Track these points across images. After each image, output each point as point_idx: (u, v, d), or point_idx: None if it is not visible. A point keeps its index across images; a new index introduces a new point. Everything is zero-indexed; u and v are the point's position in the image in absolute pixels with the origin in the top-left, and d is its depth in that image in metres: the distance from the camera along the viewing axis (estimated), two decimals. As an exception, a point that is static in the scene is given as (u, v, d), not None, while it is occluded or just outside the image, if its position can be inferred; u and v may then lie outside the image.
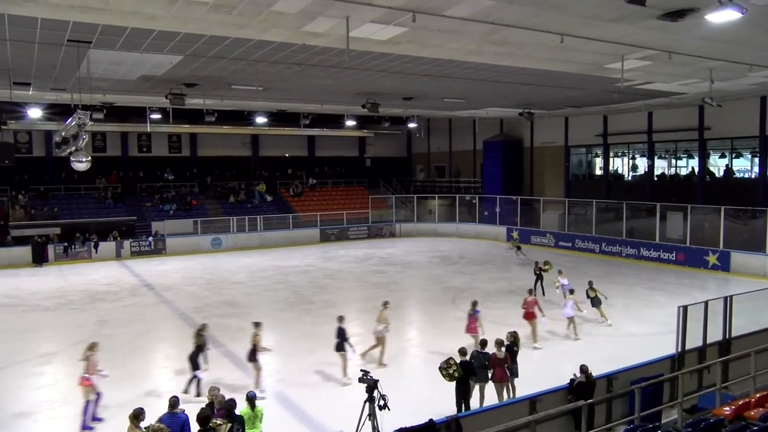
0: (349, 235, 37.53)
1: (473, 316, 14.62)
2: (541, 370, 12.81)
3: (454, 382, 10.50)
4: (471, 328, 14.54)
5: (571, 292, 16.96)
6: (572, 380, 10.15)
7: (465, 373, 10.47)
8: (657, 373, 10.70)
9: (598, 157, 35.65)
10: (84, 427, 10.72)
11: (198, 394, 11.87)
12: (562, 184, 36.75)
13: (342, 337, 13.10)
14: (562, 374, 10.64)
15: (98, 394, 11.11)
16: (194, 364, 12.25)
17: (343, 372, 13.01)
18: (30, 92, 22.36)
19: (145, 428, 7.98)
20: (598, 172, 35.87)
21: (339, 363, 13.19)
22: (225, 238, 34.42)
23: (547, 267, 21.36)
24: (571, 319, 16.25)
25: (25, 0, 10.65)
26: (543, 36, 13.38)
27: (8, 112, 20.85)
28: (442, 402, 10.75)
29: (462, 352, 10.83)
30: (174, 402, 8.50)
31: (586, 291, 17.81)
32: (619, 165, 35.31)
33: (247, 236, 34.70)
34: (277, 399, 11.96)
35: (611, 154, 34.93)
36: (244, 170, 42.16)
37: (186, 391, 11.97)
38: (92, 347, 11.40)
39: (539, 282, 21.17)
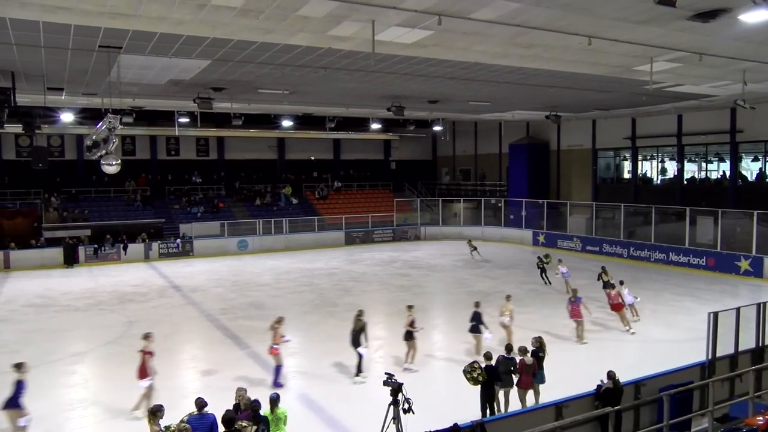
0: (374, 238, 37.58)
1: (575, 303, 15.85)
2: (567, 376, 12.65)
3: (479, 387, 10.43)
4: (575, 312, 15.86)
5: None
6: (599, 386, 10.01)
7: (490, 377, 10.39)
8: (686, 381, 10.50)
9: (626, 160, 35.16)
10: (275, 383, 12.76)
11: (359, 371, 13.32)
12: (590, 187, 36.32)
13: (478, 320, 14.57)
14: (588, 380, 10.49)
15: (279, 367, 13.00)
16: (356, 344, 13.53)
17: (477, 350, 14.36)
18: (63, 97, 22.88)
19: (165, 427, 8.05)
20: (626, 175, 35.38)
21: (473, 343, 14.68)
22: (251, 240, 34.73)
23: (548, 260, 23.46)
24: (632, 306, 17.51)
25: (59, 8, 10.89)
26: (570, 38, 13.25)
27: (42, 117, 21.30)
28: (467, 406, 10.67)
29: (487, 356, 10.76)
30: (202, 403, 8.56)
31: (599, 275, 19.36)
32: (648, 168, 34.79)
33: (273, 238, 34.96)
34: (302, 401, 12.01)
35: (640, 158, 34.42)
36: (270, 173, 42.51)
37: (359, 373, 13.30)
38: (279, 321, 13.33)
39: (544, 274, 23.39)
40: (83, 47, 14.34)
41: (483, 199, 39.91)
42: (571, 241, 32.75)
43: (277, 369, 13.06)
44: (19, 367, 10.32)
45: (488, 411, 10.43)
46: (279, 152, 43.22)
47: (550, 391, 11.03)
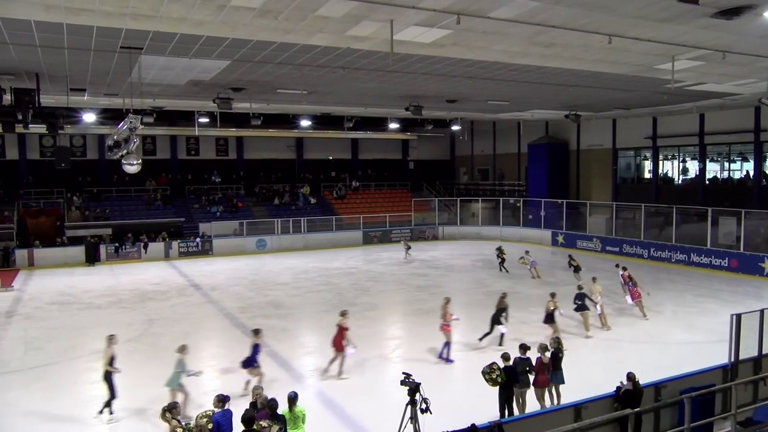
0: (391, 237, 37.58)
1: (634, 287, 18.05)
2: (586, 377, 12.55)
3: (497, 388, 10.39)
4: (635, 294, 17.99)
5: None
6: (618, 388, 9.91)
7: (508, 378, 10.34)
8: (708, 383, 10.36)
9: (647, 160, 34.77)
10: (440, 356, 14.54)
11: (501, 344, 14.92)
12: (610, 187, 35.97)
13: (582, 299, 15.78)
14: (607, 381, 10.39)
15: (448, 343, 14.62)
16: (496, 321, 15.47)
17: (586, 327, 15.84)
18: (85, 98, 23.21)
19: (186, 424, 8.12)
20: (647, 175, 34.99)
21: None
22: (269, 239, 34.92)
23: (503, 252, 26.58)
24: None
25: (82, 10, 11.05)
26: (591, 37, 13.14)
27: (65, 117, 21.63)
28: (485, 407, 10.64)
29: (505, 357, 10.70)
30: (224, 398, 8.66)
31: (569, 261, 23.01)
32: (669, 168, 34.38)
33: (291, 238, 35.13)
34: (320, 399, 12.05)
35: (661, 157, 34.02)
36: (289, 173, 42.71)
37: (483, 338, 15.20)
38: (448, 301, 14.92)
39: (502, 264, 26.29)
40: (105, 48, 14.53)
41: (501, 199, 39.72)
42: (591, 242, 32.47)
43: (446, 345, 14.57)
44: (256, 333, 12.71)
45: (506, 412, 10.38)
46: (297, 152, 43.40)
47: (569, 393, 10.95)
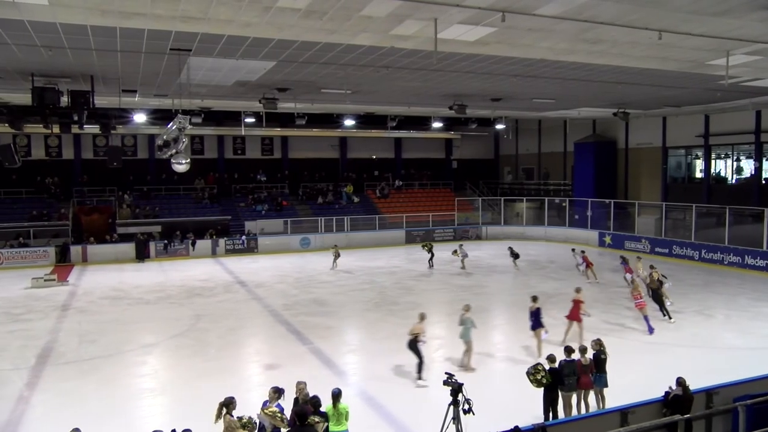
0: (434, 237, 37.48)
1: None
2: (633, 381, 12.27)
3: (542, 389, 10.24)
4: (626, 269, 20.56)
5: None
6: (667, 393, 9.64)
7: (553, 380, 10.19)
8: (765, 391, 9.97)
9: (699, 158, 33.72)
10: (650, 328, 16.26)
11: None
12: (659, 187, 35.02)
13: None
14: (655, 386, 10.12)
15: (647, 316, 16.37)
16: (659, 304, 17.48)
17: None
18: (136, 99, 23.89)
19: (238, 418, 8.25)
20: (699, 174, 33.94)
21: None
22: (313, 238, 35.29)
23: (428, 246, 28.13)
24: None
25: (134, 13, 11.38)
26: (639, 33, 12.82)
27: (117, 118, 22.34)
28: (529, 409, 10.52)
29: (551, 358, 10.53)
30: (280, 391, 8.82)
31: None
32: (722, 167, 33.25)
33: (335, 236, 35.37)
34: (362, 398, 12.11)
35: (713, 156, 32.92)
36: (333, 172, 43.05)
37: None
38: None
39: (430, 260, 27.40)
40: (155, 51, 14.93)
41: (546, 198, 39.14)
42: (639, 243, 31.69)
43: (646, 318, 16.48)
44: (534, 299, 15.01)
45: (550, 414, 10.24)
46: (341, 151, 43.70)
47: (615, 397, 10.72)
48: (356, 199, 40.40)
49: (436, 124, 34.18)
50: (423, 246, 28.76)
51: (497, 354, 15.65)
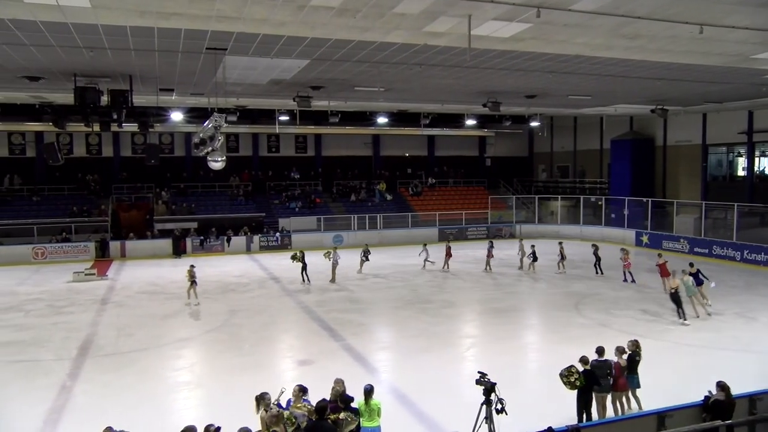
0: (467, 235, 37.28)
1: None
2: (671, 383, 12.01)
3: (575, 391, 10.10)
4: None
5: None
6: (707, 397, 9.39)
7: (587, 382, 10.03)
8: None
9: (741, 156, 32.80)
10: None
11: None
12: (699, 185, 34.19)
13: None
14: (694, 390, 9.88)
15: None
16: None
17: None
18: (173, 97, 24.33)
19: (281, 410, 8.34)
20: (741, 173, 33.02)
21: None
22: (346, 235, 35.45)
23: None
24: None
25: (171, 14, 11.60)
26: (679, 27, 12.53)
27: (155, 116, 22.81)
28: (562, 410, 10.39)
29: (584, 360, 10.37)
30: (304, 389, 8.89)
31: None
32: (766, 165, 32.26)
33: (367, 234, 35.45)
34: (394, 395, 12.12)
35: (757, 153, 31.98)
36: (366, 170, 43.17)
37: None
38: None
39: (304, 270, 24.10)
40: (192, 50, 15.18)
41: (582, 196, 38.53)
42: (678, 242, 30.97)
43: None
44: (690, 265, 18.09)
45: (584, 416, 10.09)
46: (374, 149, 43.77)
47: (651, 399, 10.51)
48: (389, 197, 40.43)
49: (470, 122, 33.95)
50: (293, 258, 24.23)
51: (530, 354, 15.50)
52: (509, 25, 12.57)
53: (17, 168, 36.13)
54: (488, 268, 26.41)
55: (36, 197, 34.80)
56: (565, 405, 10.35)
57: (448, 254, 26.74)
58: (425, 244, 27.40)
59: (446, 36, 13.48)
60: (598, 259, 25.03)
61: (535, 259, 26.10)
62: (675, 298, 17.30)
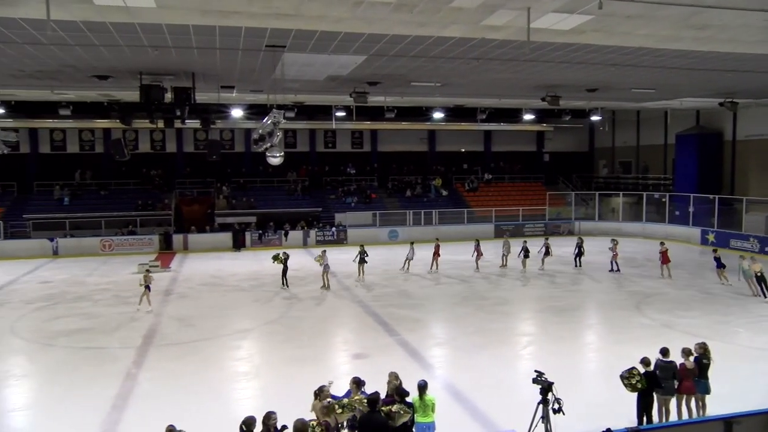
0: (524, 231, 36.71)
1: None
2: (739, 389, 11.51)
3: (635, 393, 9.80)
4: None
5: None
6: (778, 403, 8.99)
7: (649, 384, 9.72)
8: None
9: (819, 151, 31.06)
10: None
11: None
12: (772, 182, 32.60)
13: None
14: (765, 396, 9.45)
15: None
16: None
17: None
18: (233, 94, 24.89)
19: (343, 398, 8.47)
20: (818, 168, 31.27)
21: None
22: (401, 230, 35.51)
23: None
24: None
25: (232, 12, 11.86)
26: (752, 15, 11.94)
27: (216, 113, 23.44)
28: (621, 411, 10.11)
29: (645, 362, 10.04)
30: (360, 382, 8.94)
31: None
32: None
33: (422, 229, 35.41)
34: (449, 391, 12.08)
35: (836, 148, 30.24)
36: (421, 165, 43.07)
37: None
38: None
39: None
40: (252, 48, 15.48)
41: (645, 193, 37.32)
42: (747, 241, 29.61)
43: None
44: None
45: (644, 419, 9.79)
46: (429, 144, 43.63)
47: (718, 404, 10.10)
48: (444, 193, 40.25)
49: (528, 116, 33.37)
50: (274, 258, 22.53)
51: (589, 354, 15.17)
52: (569, 18, 12.27)
53: (87, 163, 37.82)
54: (477, 267, 25.70)
55: (104, 191, 36.33)
56: (624, 406, 10.07)
57: (437, 254, 25.68)
58: (413, 243, 26.22)
59: (504, 29, 13.28)
60: (580, 252, 25.77)
61: (527, 255, 25.46)
62: (761, 279, 19.40)
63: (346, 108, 30.47)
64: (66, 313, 18.82)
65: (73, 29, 13.19)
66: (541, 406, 8.78)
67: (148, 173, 37.86)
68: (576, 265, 25.79)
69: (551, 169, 44.63)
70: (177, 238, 32.93)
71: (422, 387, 8.90)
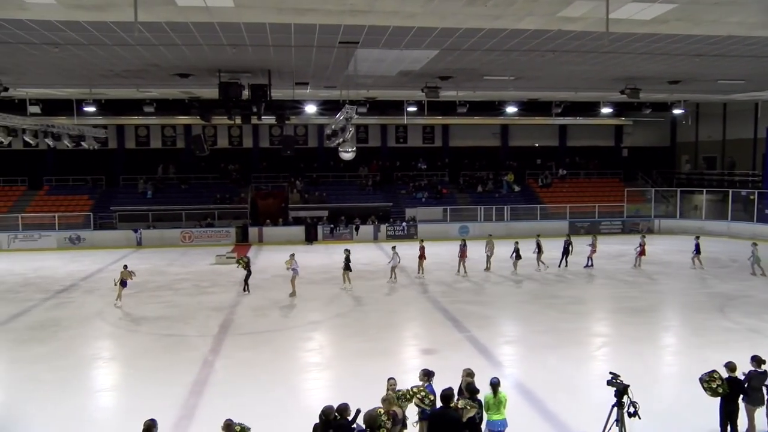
0: (600, 229, 35.61)
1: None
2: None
3: (719, 400, 9.32)
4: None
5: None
6: None
7: (731, 390, 9.22)
8: None
9: None
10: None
11: None
12: None
13: None
14: None
15: None
16: None
17: None
18: (307, 91, 25.37)
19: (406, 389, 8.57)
20: None
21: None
22: (472, 226, 35.21)
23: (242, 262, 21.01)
24: None
25: (307, 9, 12.08)
26: None
27: (290, 109, 24.00)
28: (701, 418, 9.67)
29: (731, 367, 9.53)
30: (430, 373, 9.04)
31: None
32: None
33: (494, 225, 34.97)
34: (519, 390, 11.90)
35: None
36: (493, 160, 42.50)
37: None
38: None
39: (246, 279, 20.99)
40: (326, 44, 15.72)
41: (731, 190, 35.41)
42: None
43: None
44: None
45: (728, 428, 9.30)
46: (502, 139, 42.98)
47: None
48: (517, 188, 39.58)
49: (605, 110, 32.32)
50: (237, 263, 21.47)
51: (668, 357, 14.57)
52: (651, 7, 11.78)
53: (169, 158, 39.55)
54: (462, 269, 24.15)
55: (184, 185, 37.88)
56: (706, 413, 9.62)
57: (422, 257, 23.77)
58: (394, 247, 23.35)
59: (582, 21, 12.91)
60: (567, 251, 25.13)
61: (518, 257, 24.18)
62: None
63: (418, 103, 30.47)
64: (148, 301, 19.76)
65: (157, 30, 13.81)
66: (615, 409, 8.52)
67: (225, 168, 39.19)
68: (560, 265, 24.97)
69: (630, 165, 43.01)
70: (252, 231, 33.97)
71: (496, 384, 8.80)
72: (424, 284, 22.29)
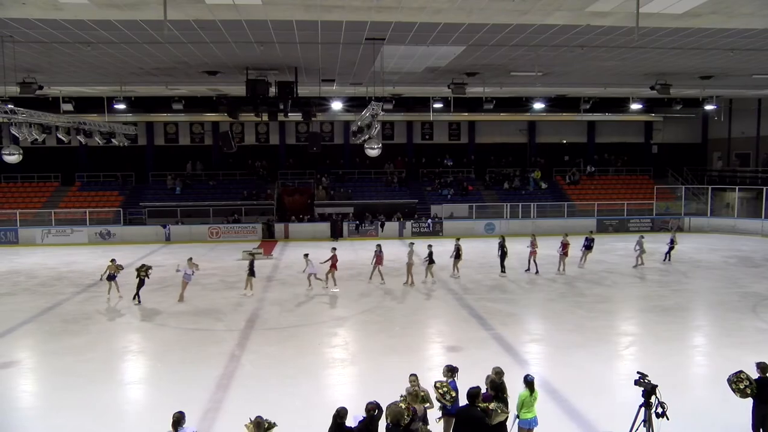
0: (629, 227, 35.12)
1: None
2: None
3: (747, 399, 9.12)
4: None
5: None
6: None
7: (760, 392, 9.01)
8: None
9: None
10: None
11: None
12: None
13: None
14: None
15: None
16: None
17: None
18: (334, 87, 25.47)
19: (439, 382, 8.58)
20: None
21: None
22: (498, 223, 35.01)
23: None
24: None
25: (334, 6, 12.12)
26: None
27: (317, 106, 24.09)
28: (732, 421, 9.49)
29: (762, 367, 9.32)
30: (454, 369, 9.00)
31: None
32: None
33: (520, 223, 34.74)
34: (545, 389, 11.79)
35: None
36: (520, 157, 42.19)
37: None
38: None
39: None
40: (352, 41, 15.76)
41: (765, 188, 34.61)
42: None
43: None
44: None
45: (761, 430, 9.10)
46: (529, 136, 42.61)
47: None
48: (544, 185, 39.22)
49: (635, 106, 31.78)
50: (138, 270, 19.09)
51: (698, 357, 14.32)
52: (683, 0, 11.56)
53: (198, 155, 40.06)
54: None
55: (212, 181, 38.32)
56: (737, 415, 9.44)
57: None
58: (307, 255, 21.29)
59: (611, 15, 12.73)
60: (504, 254, 23.09)
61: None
62: None
63: (444, 99, 30.36)
64: (176, 296, 20.03)
65: (186, 28, 14.00)
66: (643, 409, 8.40)
67: (253, 164, 39.55)
68: (502, 270, 23.06)
69: (660, 162, 42.33)
70: (279, 227, 34.24)
71: (532, 382, 8.67)
72: (447, 282, 22.22)
